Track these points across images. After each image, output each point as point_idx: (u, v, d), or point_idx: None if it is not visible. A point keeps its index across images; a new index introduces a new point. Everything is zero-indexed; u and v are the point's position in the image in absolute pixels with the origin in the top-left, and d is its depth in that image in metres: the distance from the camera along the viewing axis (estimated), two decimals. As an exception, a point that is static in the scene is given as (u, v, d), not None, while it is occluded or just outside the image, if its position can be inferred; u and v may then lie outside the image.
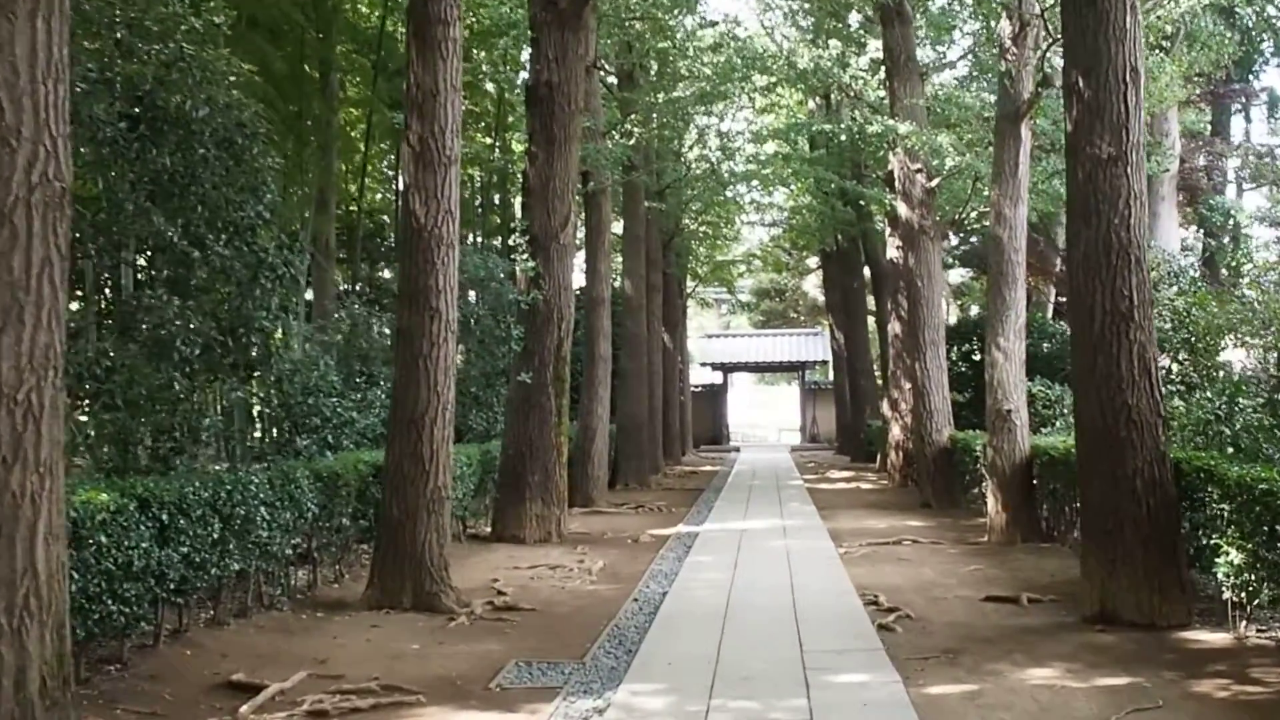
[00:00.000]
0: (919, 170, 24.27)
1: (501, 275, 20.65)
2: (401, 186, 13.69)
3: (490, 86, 35.07)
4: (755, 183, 38.69)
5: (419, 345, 12.97)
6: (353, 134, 32.92)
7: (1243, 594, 10.46)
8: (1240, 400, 14.95)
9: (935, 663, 9.89)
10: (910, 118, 23.34)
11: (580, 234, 25.80)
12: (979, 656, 10.06)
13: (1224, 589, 10.75)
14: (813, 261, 56.82)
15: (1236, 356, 21.75)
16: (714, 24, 29.04)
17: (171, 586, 10.06)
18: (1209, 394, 15.63)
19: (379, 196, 36.95)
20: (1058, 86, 18.14)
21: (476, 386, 21.97)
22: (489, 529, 19.15)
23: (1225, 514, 10.57)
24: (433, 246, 13.00)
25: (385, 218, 35.42)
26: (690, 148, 36.32)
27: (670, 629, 11.47)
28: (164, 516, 9.79)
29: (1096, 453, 11.67)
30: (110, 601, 8.98)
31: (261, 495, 11.57)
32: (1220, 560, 10.60)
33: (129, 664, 9.67)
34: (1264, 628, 10.74)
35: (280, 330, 16.81)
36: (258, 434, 15.93)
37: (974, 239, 38.66)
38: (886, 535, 18.66)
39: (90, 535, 8.70)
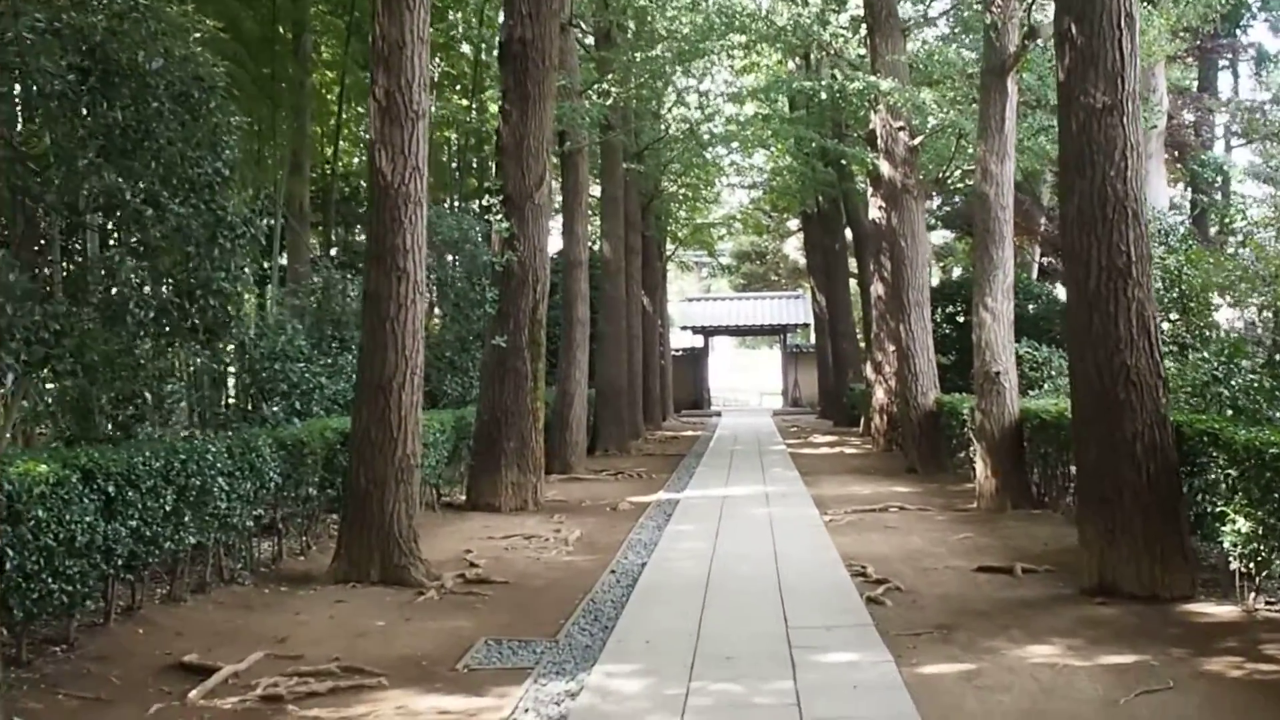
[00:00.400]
0: (901, 128, 23.69)
1: (478, 237, 20.08)
2: (368, 143, 13.01)
3: (466, 48, 34.44)
4: (735, 144, 38.10)
5: (386, 308, 12.39)
6: (328, 96, 32.23)
7: (1251, 564, 9.96)
8: (1239, 361, 14.47)
9: (928, 639, 9.37)
10: (893, 74, 22.76)
11: (557, 197, 25.23)
12: (974, 632, 9.55)
13: (1230, 559, 10.25)
14: (793, 224, 56.34)
15: (1225, 317, 21.26)
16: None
17: (120, 562, 9.54)
18: (1205, 354, 15.14)
19: (355, 160, 36.19)
20: (1044, 39, 17.67)
21: (451, 351, 21.43)
22: (464, 497, 18.61)
23: (1233, 480, 10.05)
24: (399, 204, 12.40)
25: (361, 181, 34.57)
26: (669, 109, 35.75)
27: (649, 603, 10.93)
28: (110, 488, 9.22)
29: (1093, 416, 11.16)
30: (50, 579, 8.41)
31: (219, 465, 10.99)
32: (1226, 529, 10.11)
33: (76, 644, 9.15)
34: (1273, 600, 10.24)
35: (246, 293, 16.16)
36: (229, 400, 15.30)
37: (957, 199, 38.19)
38: (872, 502, 18.17)
39: (28, 509, 8.13)
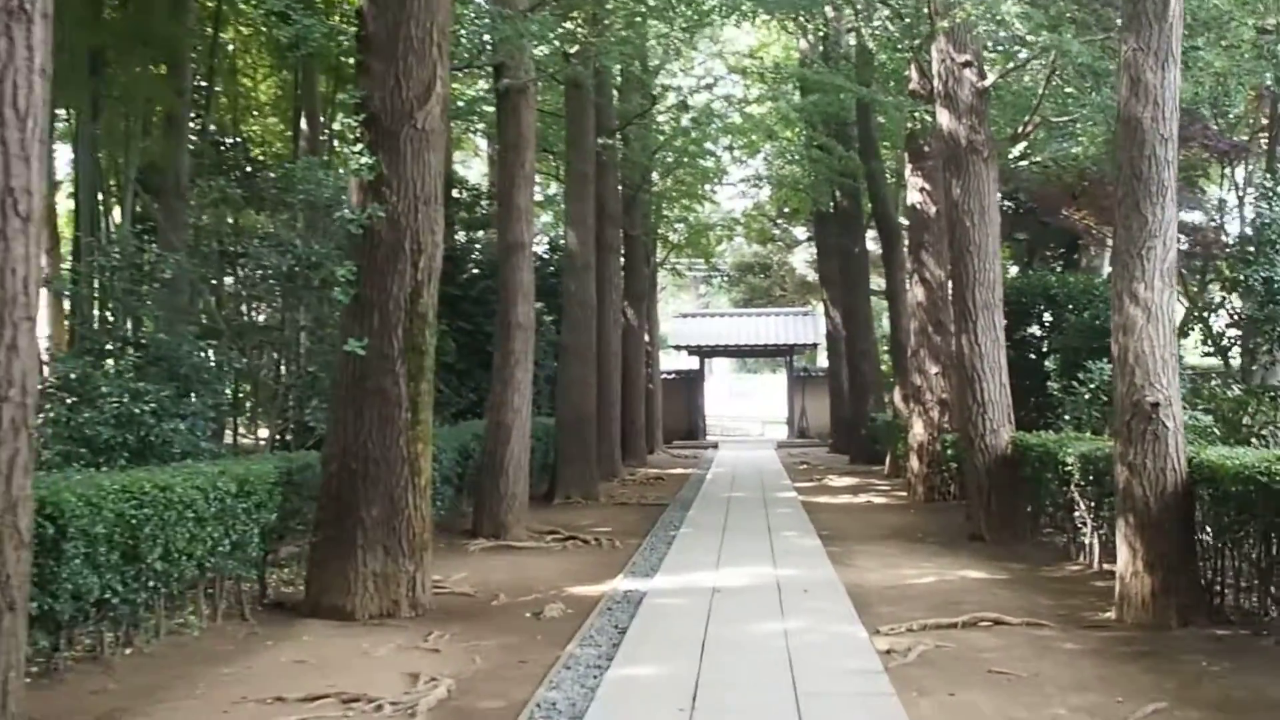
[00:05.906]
0: (968, 63, 17.00)
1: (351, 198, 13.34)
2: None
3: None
4: (737, 140, 32.03)
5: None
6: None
7: None
8: None
9: None
10: (958, -17, 16.20)
11: (484, 143, 18.48)
12: None
13: None
14: (801, 233, 49.98)
15: None
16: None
17: None
18: None
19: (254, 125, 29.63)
20: None
21: (317, 365, 14.69)
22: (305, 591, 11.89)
23: None
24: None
25: (278, 145, 27.75)
26: (658, 81, 29.84)
27: None
28: None
29: None
30: None
31: None
32: None
33: None
34: None
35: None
36: None
37: (1010, 190, 31.36)
38: (943, 603, 11.45)
39: None
